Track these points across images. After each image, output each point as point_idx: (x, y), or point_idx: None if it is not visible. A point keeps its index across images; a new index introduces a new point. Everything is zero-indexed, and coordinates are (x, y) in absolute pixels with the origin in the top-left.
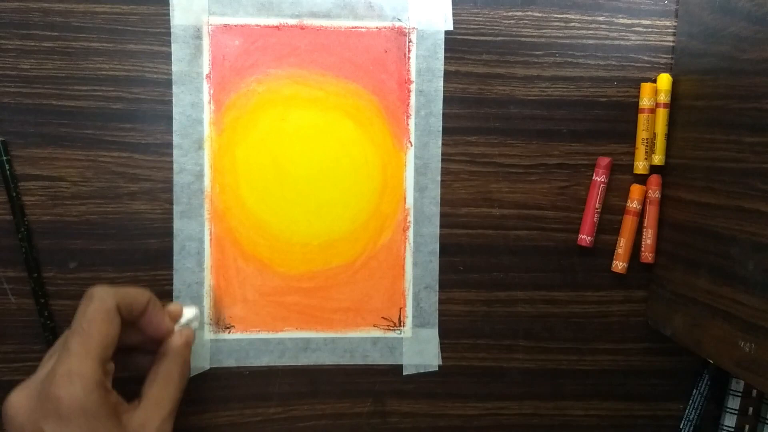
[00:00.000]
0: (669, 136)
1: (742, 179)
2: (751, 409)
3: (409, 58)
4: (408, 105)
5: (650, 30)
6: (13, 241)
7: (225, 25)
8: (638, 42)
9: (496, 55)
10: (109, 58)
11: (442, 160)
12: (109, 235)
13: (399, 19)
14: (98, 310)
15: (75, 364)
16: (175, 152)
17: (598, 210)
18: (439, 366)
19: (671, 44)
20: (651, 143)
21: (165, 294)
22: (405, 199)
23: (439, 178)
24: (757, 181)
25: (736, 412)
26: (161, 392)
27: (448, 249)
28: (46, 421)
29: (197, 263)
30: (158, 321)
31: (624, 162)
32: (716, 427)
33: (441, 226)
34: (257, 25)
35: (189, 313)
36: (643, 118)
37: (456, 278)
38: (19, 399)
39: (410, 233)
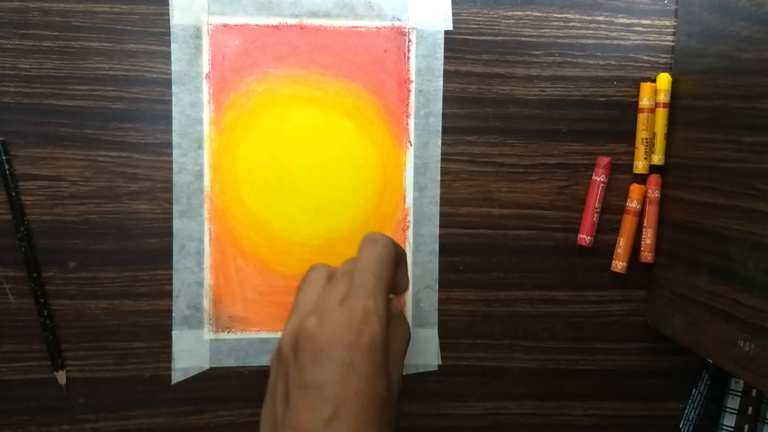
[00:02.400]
0: (669, 136)
1: (742, 179)
2: (750, 408)
3: (408, 57)
4: (408, 105)
5: (650, 30)
6: (13, 240)
7: (224, 25)
8: (638, 42)
9: (496, 54)
10: (108, 58)
11: (442, 160)
12: (108, 234)
13: (399, 19)
14: (387, 254)
15: (373, 303)
16: (175, 152)
17: (598, 210)
18: (439, 366)
19: (671, 44)
20: (650, 143)
21: (165, 294)
22: (405, 198)
23: (438, 178)
24: (757, 181)
25: (736, 411)
26: (397, 346)
27: (447, 249)
28: (346, 349)
29: (197, 263)
30: (402, 276)
31: (623, 162)
32: (716, 427)
33: (441, 226)
34: (257, 25)
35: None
36: (642, 118)
37: (456, 278)
38: (322, 323)
39: (410, 233)
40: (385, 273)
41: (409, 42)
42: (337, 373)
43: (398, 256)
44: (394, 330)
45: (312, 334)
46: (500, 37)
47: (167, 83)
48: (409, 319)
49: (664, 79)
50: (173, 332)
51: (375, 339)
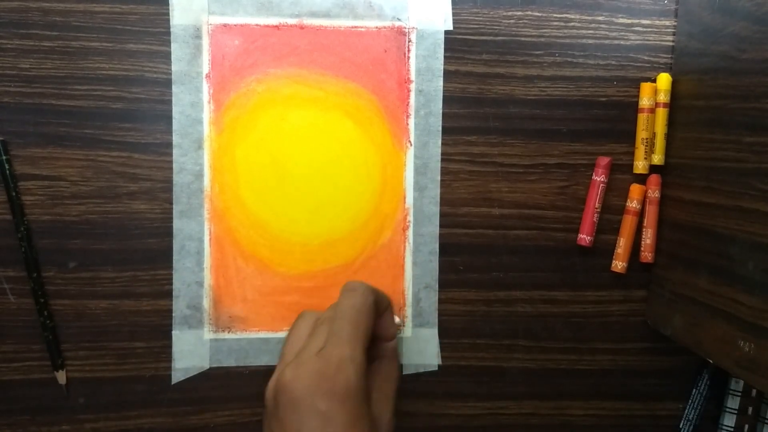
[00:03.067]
0: (669, 136)
1: (742, 179)
2: (750, 408)
3: (408, 57)
4: (408, 105)
5: (650, 30)
6: (13, 240)
7: (225, 25)
8: (638, 42)
9: (496, 54)
10: (108, 58)
11: (442, 160)
12: (108, 234)
13: (399, 19)
14: (365, 303)
15: (348, 350)
16: (175, 152)
17: (598, 210)
18: (439, 366)
19: (671, 44)
20: (651, 143)
21: (165, 294)
22: (405, 198)
23: (438, 178)
24: (757, 181)
25: (736, 411)
26: (387, 388)
27: (447, 249)
28: (321, 398)
29: (197, 263)
30: (388, 324)
31: (624, 162)
32: (716, 427)
33: (441, 226)
34: (257, 25)
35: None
36: (642, 118)
37: (456, 278)
38: (298, 375)
39: (410, 233)
40: (363, 320)
41: (409, 42)
42: (314, 423)
43: (379, 303)
44: (381, 371)
45: (288, 386)
46: (500, 37)
47: (167, 83)
48: (409, 319)
49: (664, 79)
50: (173, 332)
51: (350, 386)
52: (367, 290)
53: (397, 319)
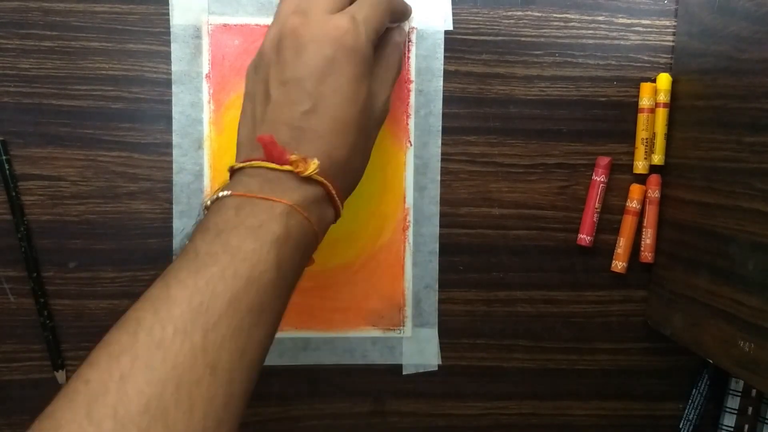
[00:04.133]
0: (668, 136)
1: (742, 179)
2: (750, 408)
3: (408, 57)
4: (407, 105)
5: (650, 30)
6: (13, 240)
7: (225, 25)
8: (638, 42)
9: (496, 54)
10: (108, 58)
11: (442, 160)
12: (108, 234)
13: None
14: None
15: (362, 14)
16: (175, 152)
17: (598, 210)
18: (439, 366)
19: (671, 44)
20: (650, 143)
21: None
22: (405, 198)
23: (438, 178)
24: (757, 181)
25: (736, 411)
26: (386, 75)
27: (447, 249)
28: (329, 45)
29: None
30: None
31: (623, 162)
32: (715, 427)
33: (441, 226)
34: (257, 25)
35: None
36: (642, 118)
37: (456, 278)
38: (306, 22)
39: (410, 233)
40: (384, 4)
41: (409, 42)
42: (319, 67)
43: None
44: (387, 55)
45: (296, 31)
46: (500, 37)
47: (167, 83)
48: (410, 319)
49: (664, 79)
50: None
51: (359, 44)
52: None
53: (407, 26)
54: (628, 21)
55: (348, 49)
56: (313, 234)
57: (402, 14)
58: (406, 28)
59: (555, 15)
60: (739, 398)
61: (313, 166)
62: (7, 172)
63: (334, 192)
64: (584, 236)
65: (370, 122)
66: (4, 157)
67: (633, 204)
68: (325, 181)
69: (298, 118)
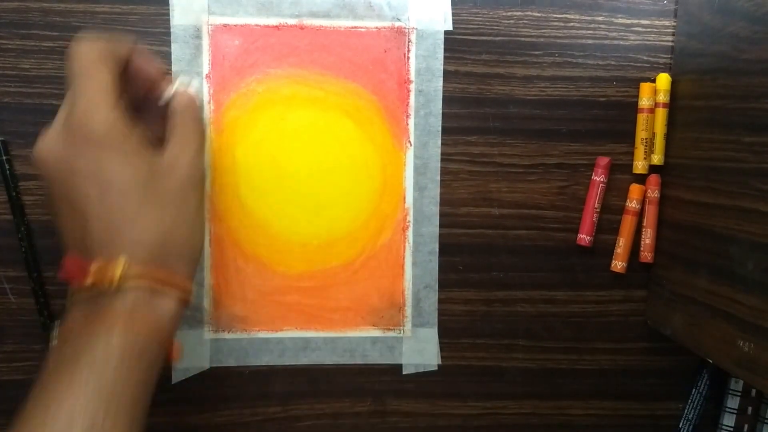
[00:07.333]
0: (668, 136)
1: (742, 179)
2: (750, 408)
3: (408, 57)
4: (407, 105)
5: (649, 30)
6: (13, 240)
7: (225, 25)
8: (637, 42)
9: (496, 54)
10: None
11: (442, 160)
12: None
13: (399, 19)
14: (87, 57)
15: (91, 97)
16: None
17: (598, 210)
18: (439, 365)
19: (670, 44)
20: (650, 143)
21: None
22: (404, 198)
23: (438, 178)
24: (756, 181)
25: (735, 411)
26: (185, 133)
27: (447, 249)
28: (79, 154)
29: None
30: (146, 68)
31: (623, 162)
32: (715, 427)
33: (440, 226)
34: (257, 25)
35: (183, 78)
36: (642, 118)
37: (455, 278)
38: (47, 142)
39: (410, 233)
40: (95, 72)
41: (409, 42)
42: (84, 183)
43: (116, 47)
44: (178, 122)
45: (40, 157)
46: (500, 37)
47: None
48: (409, 318)
49: (663, 79)
50: None
51: (101, 129)
52: (87, 45)
53: (186, 78)
54: (628, 21)
55: (96, 144)
56: (150, 338)
57: (131, 52)
58: (195, 85)
59: (555, 15)
60: (738, 398)
61: (120, 267)
62: (8, 172)
63: (163, 277)
64: (584, 236)
65: (177, 190)
66: (4, 157)
67: (632, 204)
68: (143, 275)
69: (87, 222)
